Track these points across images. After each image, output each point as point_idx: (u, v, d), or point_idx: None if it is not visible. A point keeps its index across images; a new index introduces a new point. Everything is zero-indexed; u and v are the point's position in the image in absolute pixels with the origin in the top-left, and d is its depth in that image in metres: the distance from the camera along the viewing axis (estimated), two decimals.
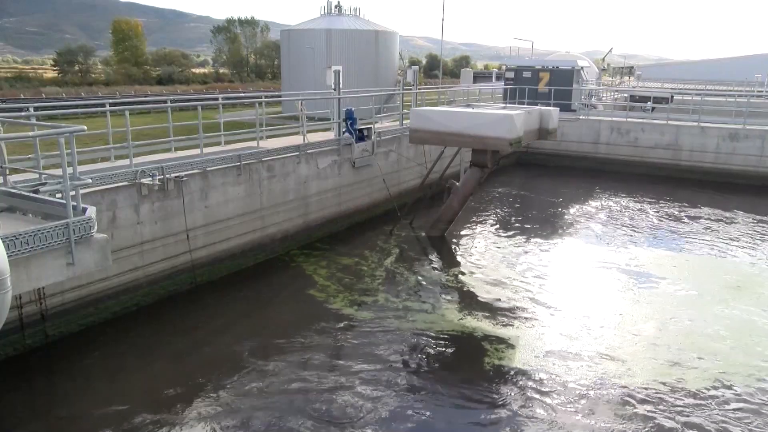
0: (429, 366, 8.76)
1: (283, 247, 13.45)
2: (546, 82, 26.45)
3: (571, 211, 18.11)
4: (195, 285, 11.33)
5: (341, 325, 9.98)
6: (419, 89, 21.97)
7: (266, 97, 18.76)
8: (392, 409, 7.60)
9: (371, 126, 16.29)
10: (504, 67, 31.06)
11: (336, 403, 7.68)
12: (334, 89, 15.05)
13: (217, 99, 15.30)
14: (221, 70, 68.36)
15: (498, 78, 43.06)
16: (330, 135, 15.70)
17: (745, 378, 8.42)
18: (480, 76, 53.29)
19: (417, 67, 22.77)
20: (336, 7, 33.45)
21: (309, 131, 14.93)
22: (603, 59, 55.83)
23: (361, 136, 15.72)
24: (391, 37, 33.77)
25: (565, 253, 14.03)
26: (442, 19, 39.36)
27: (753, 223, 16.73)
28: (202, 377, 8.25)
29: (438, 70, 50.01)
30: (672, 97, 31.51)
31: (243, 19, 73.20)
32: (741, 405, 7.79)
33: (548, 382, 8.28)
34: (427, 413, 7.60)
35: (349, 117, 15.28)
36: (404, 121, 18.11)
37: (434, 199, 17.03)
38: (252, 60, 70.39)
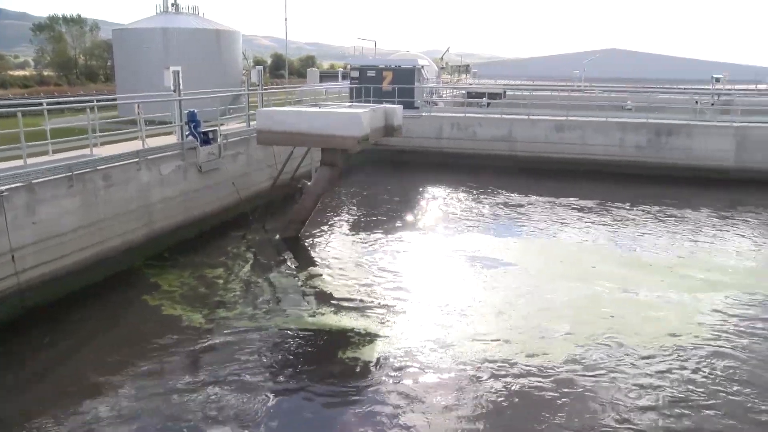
0: (292, 366, 8.69)
1: (129, 259, 12.60)
2: (390, 81, 27.25)
3: (421, 204, 18.87)
4: (26, 310, 10.25)
5: (197, 335, 9.57)
6: (265, 89, 21.64)
7: (99, 100, 17.45)
8: (258, 409, 7.49)
9: (217, 128, 15.77)
10: (349, 67, 31.52)
11: (201, 410, 7.36)
12: (174, 91, 14.37)
13: (41, 104, 13.91)
14: (45, 72, 62.44)
15: (344, 77, 43.62)
16: (173, 139, 14.97)
17: (597, 345, 9.28)
18: (326, 76, 53.62)
19: (262, 67, 22.41)
20: (173, 5, 31.95)
21: (149, 135, 14.14)
22: (441, 58, 58.57)
23: (206, 139, 15.16)
24: (233, 37, 32.92)
25: (418, 245, 14.56)
26: (285, 19, 39.11)
27: (577, 206, 18.47)
28: (42, 413, 7.51)
29: (284, 69, 49.60)
30: (505, 92, 33.83)
31: (68, 17, 67.40)
32: (598, 365, 8.59)
33: (410, 369, 8.57)
34: (295, 410, 7.55)
35: (192, 119, 14.66)
36: (251, 123, 17.75)
37: (287, 200, 16.90)
38: (81, 61, 65.06)
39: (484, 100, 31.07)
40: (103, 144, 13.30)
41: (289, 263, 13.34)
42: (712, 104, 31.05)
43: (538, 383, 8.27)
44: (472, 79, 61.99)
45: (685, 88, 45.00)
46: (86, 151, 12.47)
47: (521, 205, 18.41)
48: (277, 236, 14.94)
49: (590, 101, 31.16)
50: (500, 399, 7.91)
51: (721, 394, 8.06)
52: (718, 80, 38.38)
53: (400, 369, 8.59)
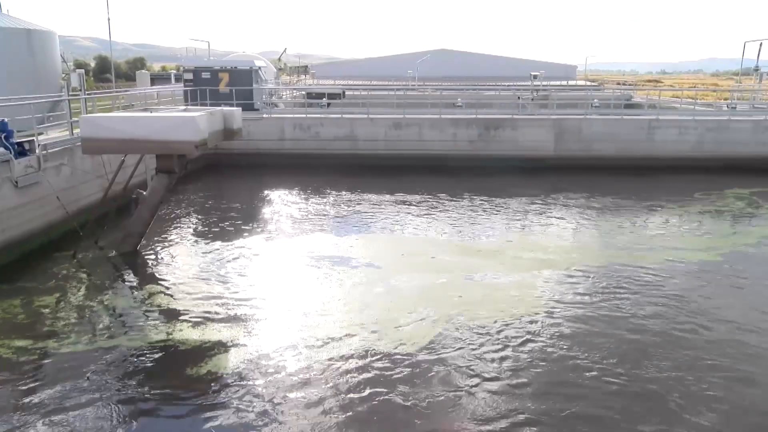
0: (141, 386, 8.09)
1: None
2: (226, 83, 26.49)
3: (266, 208, 18.56)
4: None
5: (29, 369, 8.61)
6: (89, 94, 20.01)
7: None
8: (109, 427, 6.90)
9: (34, 138, 14.32)
10: (182, 69, 30.14)
11: None
12: None
13: None
14: None
15: (177, 80, 41.63)
16: None
17: (452, 326, 9.67)
18: (158, 78, 50.88)
19: (83, 70, 20.69)
20: None
21: None
22: (279, 59, 58.06)
23: (22, 150, 13.69)
24: (48, 37, 29.94)
25: (265, 250, 14.30)
26: (108, 18, 36.39)
27: (417, 199, 19.26)
28: None
29: (110, 73, 46.23)
30: (344, 92, 34.35)
31: None
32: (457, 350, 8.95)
33: (270, 373, 8.37)
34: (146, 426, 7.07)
35: (3, 129, 13.17)
36: (75, 131, 16.33)
37: (121, 212, 15.79)
38: None
39: (325, 100, 31.31)
40: None
41: (128, 280, 12.47)
42: (532, 99, 33.93)
43: (403, 370, 8.52)
44: (312, 79, 62.18)
45: (508, 85, 48.69)
46: None
47: (366, 202, 18.80)
48: (113, 252, 13.88)
49: (424, 99, 32.64)
50: (366, 389, 7.99)
51: (564, 354, 8.82)
52: (535, 77, 41.90)
53: (259, 375, 8.39)
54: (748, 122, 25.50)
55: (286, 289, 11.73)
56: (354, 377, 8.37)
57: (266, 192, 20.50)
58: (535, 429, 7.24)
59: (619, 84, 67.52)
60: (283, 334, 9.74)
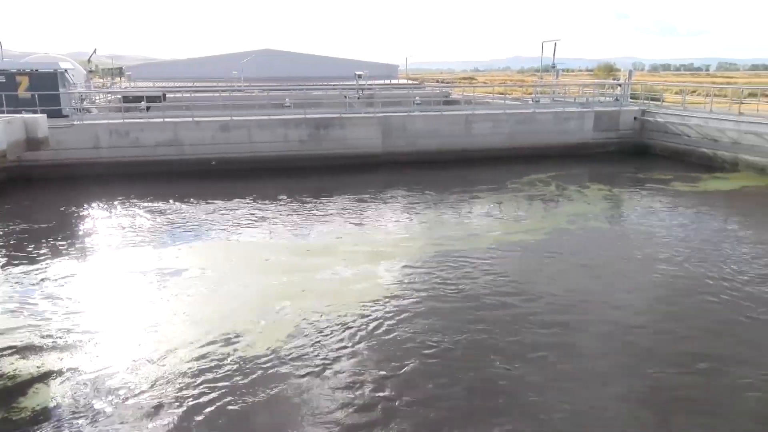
0: None
1: None
2: (26, 87, 23.82)
3: (84, 224, 17.03)
4: None
5: None
6: None
7: None
8: None
9: None
10: None
11: None
12: None
13: None
14: None
15: None
16: None
17: (301, 325, 9.53)
18: None
19: None
20: None
21: None
22: (89, 60, 53.55)
23: None
24: None
25: (87, 270, 13.13)
26: None
27: (251, 203, 18.88)
28: None
29: None
30: (165, 95, 32.60)
31: None
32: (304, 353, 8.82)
33: (106, 394, 7.69)
34: None
35: None
36: None
37: None
38: None
39: (143, 103, 29.48)
40: None
41: None
42: (358, 98, 34.78)
43: (255, 372, 8.34)
44: (128, 82, 58.25)
45: (334, 85, 49.40)
46: None
47: (194, 210, 18.01)
48: None
49: (252, 100, 32.03)
50: (223, 396, 7.67)
51: (412, 336, 9.15)
52: (360, 77, 42.96)
53: (96, 398, 7.69)
54: (549, 114, 28.36)
55: (114, 308, 10.86)
56: (207, 388, 8.02)
57: (82, 206, 18.78)
58: (392, 414, 7.44)
59: (437, 82, 71.57)
60: (119, 354, 9.02)
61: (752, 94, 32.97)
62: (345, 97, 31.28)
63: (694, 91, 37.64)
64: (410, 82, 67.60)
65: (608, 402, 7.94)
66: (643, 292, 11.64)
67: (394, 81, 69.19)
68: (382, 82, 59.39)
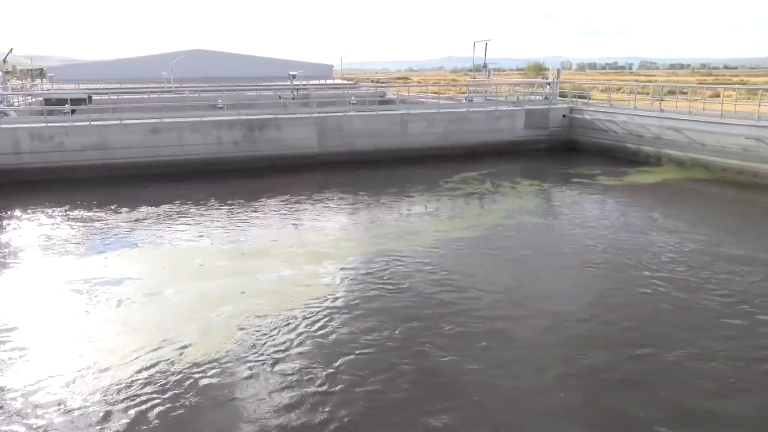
0: None
1: None
2: None
3: (8, 235, 16.07)
4: None
5: None
6: None
7: None
8: None
9: None
10: None
11: None
12: None
13: None
14: None
15: None
16: None
17: (247, 329, 9.33)
18: None
19: None
20: None
21: None
22: (5, 61, 50.92)
23: None
24: None
25: (7, 284, 12.49)
26: None
27: (183, 208, 18.38)
28: None
29: None
30: (90, 97, 31.31)
31: None
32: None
33: (44, 411, 7.31)
34: None
35: None
36: None
37: None
38: None
39: (68, 106, 28.24)
40: None
41: None
42: (293, 98, 34.48)
43: (196, 382, 8.08)
44: (50, 83, 55.74)
45: (268, 85, 48.81)
46: None
47: (123, 216, 17.38)
48: None
49: (183, 102, 31.21)
50: (162, 409, 7.41)
51: (359, 330, 9.12)
52: (294, 77, 42.58)
53: (32, 415, 7.30)
54: (482, 113, 28.92)
55: (44, 322, 10.32)
56: (151, 397, 7.76)
57: (2, 215, 17.79)
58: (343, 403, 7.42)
59: (373, 82, 71.83)
60: (54, 369, 8.57)
61: (671, 92, 34.72)
62: (280, 97, 30.99)
63: (619, 89, 39.24)
64: (345, 82, 67.56)
65: (544, 386, 8.18)
66: (576, 282, 12.06)
67: (329, 81, 69.02)
68: (317, 82, 59.08)
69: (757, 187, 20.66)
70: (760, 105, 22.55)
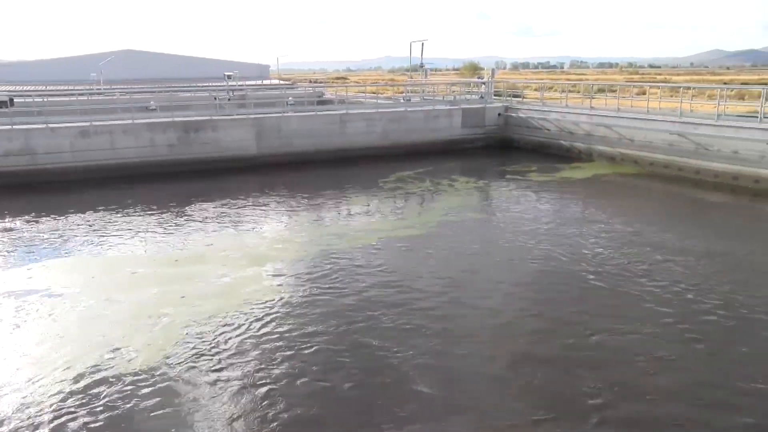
0: None
1: None
2: None
3: None
4: None
5: None
6: None
7: None
8: None
9: None
10: None
11: None
12: None
13: None
14: None
15: None
16: None
17: (186, 336, 9.04)
18: None
19: None
20: None
21: None
22: None
23: None
24: None
25: None
26: None
27: (114, 213, 17.76)
28: None
29: None
30: (12, 99, 29.78)
31: None
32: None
33: None
34: None
35: None
36: None
37: None
38: None
39: None
40: None
41: None
42: (229, 99, 33.77)
43: (141, 390, 7.81)
44: None
45: (203, 86, 47.74)
46: None
47: (49, 224, 16.64)
48: None
49: (114, 104, 30.13)
50: (107, 419, 7.12)
51: (303, 330, 9.00)
52: (230, 77, 41.75)
53: None
54: (420, 112, 29.17)
55: None
56: (94, 408, 7.47)
57: None
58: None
59: (311, 82, 71.40)
60: None
61: (601, 90, 35.98)
62: (215, 98, 30.29)
63: (551, 88, 40.28)
64: (283, 82, 66.81)
65: (490, 377, 8.35)
66: (516, 275, 12.32)
67: (266, 81, 68.04)
68: (253, 82, 58.15)
69: (681, 180, 21.66)
70: (681, 102, 23.62)
